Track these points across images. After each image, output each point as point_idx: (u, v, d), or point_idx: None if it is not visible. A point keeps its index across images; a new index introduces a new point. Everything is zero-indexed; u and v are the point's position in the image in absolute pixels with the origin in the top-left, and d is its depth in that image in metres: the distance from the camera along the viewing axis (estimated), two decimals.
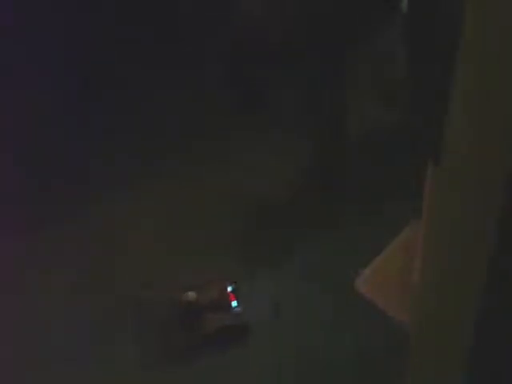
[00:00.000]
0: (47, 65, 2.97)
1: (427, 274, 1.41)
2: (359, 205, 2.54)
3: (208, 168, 2.69)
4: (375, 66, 2.78)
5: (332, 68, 2.46)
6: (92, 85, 2.95)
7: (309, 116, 2.68)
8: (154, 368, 2.15)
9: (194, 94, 2.93)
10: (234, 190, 2.61)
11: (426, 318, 1.46)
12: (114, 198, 2.61)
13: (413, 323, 1.56)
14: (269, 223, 2.55)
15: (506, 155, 1.11)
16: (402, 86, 2.54)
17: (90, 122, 2.88)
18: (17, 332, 2.25)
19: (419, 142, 1.40)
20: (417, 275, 1.50)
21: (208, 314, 2.19)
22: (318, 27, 2.30)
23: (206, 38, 2.99)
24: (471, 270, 1.26)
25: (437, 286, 1.38)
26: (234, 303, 2.21)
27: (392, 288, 1.97)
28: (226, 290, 2.22)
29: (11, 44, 2.89)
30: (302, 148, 2.68)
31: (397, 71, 2.59)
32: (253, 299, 2.27)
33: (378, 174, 2.61)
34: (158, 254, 2.44)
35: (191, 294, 2.19)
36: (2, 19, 2.76)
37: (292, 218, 2.54)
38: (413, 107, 2.27)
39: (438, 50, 1.21)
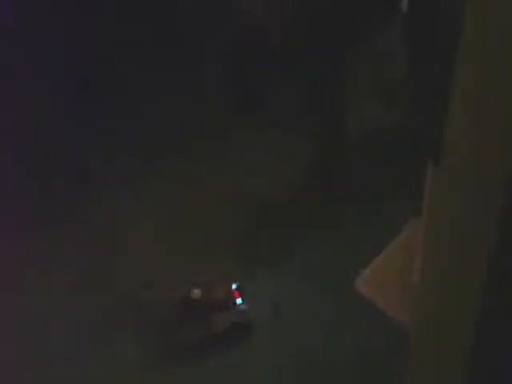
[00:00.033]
0: (47, 65, 2.97)
1: (427, 273, 1.41)
2: (359, 205, 2.54)
3: (208, 168, 2.70)
4: (375, 65, 2.78)
5: (332, 68, 2.46)
6: (92, 85, 2.95)
7: (309, 116, 2.68)
8: (153, 368, 2.16)
9: (194, 94, 2.93)
10: (233, 190, 2.62)
11: (426, 318, 1.46)
12: (114, 198, 2.61)
13: (413, 323, 1.56)
14: (269, 223, 2.55)
15: (506, 155, 1.11)
16: (402, 86, 2.54)
17: (90, 122, 2.88)
18: (17, 332, 2.25)
19: (419, 142, 1.40)
20: (417, 275, 1.50)
21: (214, 312, 2.19)
22: (318, 27, 2.30)
23: (205, 37, 2.99)
24: (471, 270, 1.26)
25: (437, 285, 1.38)
26: (239, 300, 2.21)
27: (392, 288, 1.96)
28: (231, 287, 2.23)
29: (11, 44, 2.89)
30: (302, 148, 2.68)
31: (397, 71, 2.59)
32: (253, 299, 2.28)
33: (377, 173, 2.62)
34: (157, 253, 2.44)
35: (197, 292, 2.19)
36: (2, 19, 2.76)
37: (292, 218, 2.54)
38: (413, 107, 2.27)
39: (437, 49, 1.21)
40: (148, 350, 2.19)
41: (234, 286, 2.23)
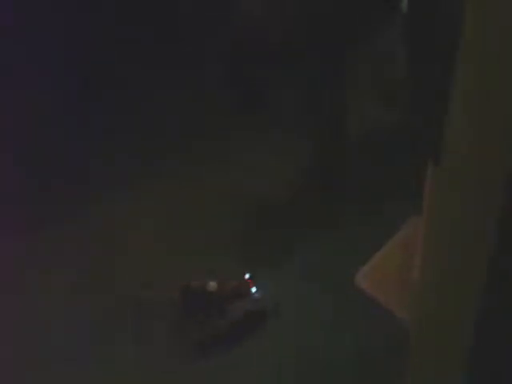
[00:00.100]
0: (47, 65, 2.97)
1: (427, 273, 1.41)
2: (359, 205, 2.54)
3: (208, 168, 2.69)
4: (375, 65, 2.78)
5: (332, 68, 2.46)
6: (92, 85, 2.95)
7: (309, 116, 2.68)
8: (154, 368, 2.15)
9: (194, 94, 2.93)
10: (233, 189, 2.61)
11: (426, 318, 1.46)
12: (114, 198, 2.61)
13: (412, 322, 1.56)
14: (269, 223, 2.55)
15: (506, 155, 1.11)
16: (402, 86, 2.54)
17: (90, 122, 2.88)
18: (17, 332, 2.25)
19: (419, 142, 1.40)
20: (416, 272, 1.50)
21: (230, 302, 2.21)
22: (318, 27, 2.29)
23: (205, 37, 2.99)
24: (471, 270, 1.26)
25: (437, 285, 1.38)
26: (254, 289, 2.22)
27: (391, 284, 1.97)
28: (244, 277, 2.24)
29: (11, 44, 2.89)
30: (302, 148, 2.68)
31: (397, 71, 2.59)
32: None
33: (377, 173, 2.62)
34: (157, 253, 2.44)
35: (212, 284, 2.20)
36: (2, 19, 2.76)
37: (292, 218, 2.54)
38: (413, 107, 2.27)
39: (437, 49, 1.21)
40: (148, 350, 2.19)
41: (246, 276, 2.24)
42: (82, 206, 2.59)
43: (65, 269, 2.42)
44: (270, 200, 2.61)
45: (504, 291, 1.24)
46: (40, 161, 2.74)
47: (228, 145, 2.78)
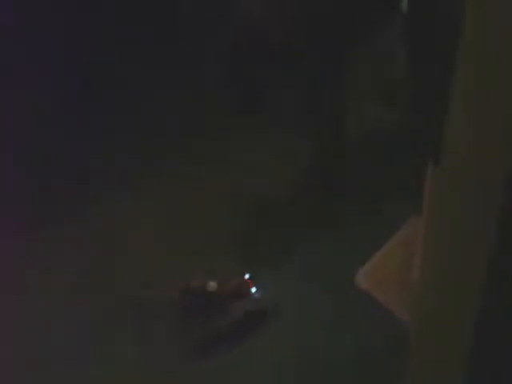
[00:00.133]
0: (47, 65, 2.97)
1: (427, 273, 1.41)
2: (359, 205, 2.54)
3: (208, 168, 2.70)
4: (375, 65, 2.78)
5: (332, 68, 2.46)
6: (92, 85, 2.95)
7: (309, 116, 2.68)
8: (154, 368, 2.15)
9: (194, 94, 2.93)
10: (233, 189, 2.61)
11: (426, 318, 1.46)
12: (114, 198, 2.61)
13: (412, 322, 1.56)
14: (269, 223, 2.55)
15: (506, 155, 1.11)
16: (402, 86, 2.54)
17: (90, 122, 2.88)
18: (17, 332, 2.25)
19: (419, 142, 1.40)
20: (416, 272, 1.50)
21: (230, 302, 2.22)
22: (318, 27, 2.29)
23: (206, 37, 2.99)
24: (471, 270, 1.26)
25: (437, 285, 1.38)
26: (254, 289, 2.23)
27: (391, 284, 1.97)
28: (244, 277, 2.24)
29: (11, 44, 2.89)
30: (302, 148, 2.68)
31: (397, 71, 2.59)
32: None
33: (377, 173, 2.62)
34: (157, 253, 2.44)
35: (213, 284, 2.20)
36: (2, 19, 2.76)
37: (292, 218, 2.54)
38: (413, 107, 2.27)
39: (438, 49, 1.21)
40: (148, 350, 2.19)
41: (246, 276, 2.24)
42: (81, 205, 2.59)
43: (65, 269, 2.42)
44: (269, 200, 2.61)
45: (504, 291, 1.24)
46: (40, 161, 2.74)
47: (228, 145, 2.78)
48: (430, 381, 1.53)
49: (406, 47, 2.37)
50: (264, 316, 2.24)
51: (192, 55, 3.01)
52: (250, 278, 2.25)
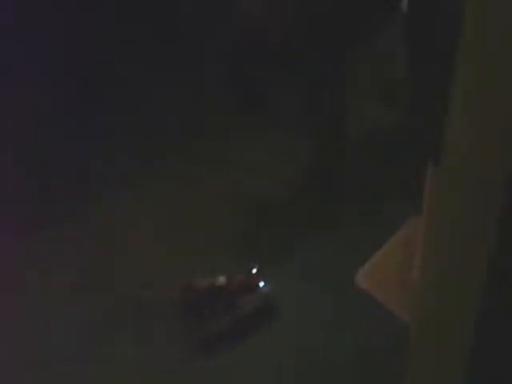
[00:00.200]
0: (47, 65, 2.97)
1: (427, 273, 1.41)
2: (359, 205, 2.54)
3: (208, 168, 2.70)
4: (375, 65, 2.78)
5: (332, 68, 2.46)
6: (92, 85, 2.95)
7: (309, 116, 2.68)
8: (154, 368, 2.15)
9: (194, 94, 2.93)
10: (233, 189, 2.61)
11: (426, 318, 1.46)
12: (114, 198, 2.61)
13: (412, 322, 1.56)
14: (269, 223, 2.55)
15: (506, 155, 1.11)
16: (402, 86, 2.54)
17: (90, 122, 2.88)
18: (17, 332, 2.25)
19: (419, 142, 1.40)
20: (416, 272, 1.50)
21: (238, 296, 2.22)
22: (318, 27, 2.29)
23: (206, 37, 2.99)
24: (471, 270, 1.26)
25: (437, 285, 1.38)
26: (261, 283, 2.23)
27: (391, 283, 1.97)
28: (252, 272, 2.24)
29: (11, 44, 2.89)
30: (302, 148, 2.68)
31: (397, 71, 2.59)
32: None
33: (377, 173, 2.62)
34: (157, 253, 2.44)
35: (222, 279, 2.21)
36: (2, 19, 2.76)
37: (292, 218, 2.54)
38: (413, 107, 2.27)
39: (438, 49, 1.21)
40: (148, 350, 2.19)
41: (254, 271, 2.25)
42: (82, 205, 2.59)
43: (65, 269, 2.42)
44: (270, 200, 2.61)
45: (504, 291, 1.24)
46: (40, 161, 2.74)
47: (228, 145, 2.78)
48: (430, 381, 1.53)
49: (406, 47, 2.37)
50: (271, 311, 2.24)
51: (192, 55, 3.01)
52: (257, 273, 2.25)
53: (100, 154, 2.77)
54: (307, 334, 2.22)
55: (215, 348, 2.19)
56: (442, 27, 1.19)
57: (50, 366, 2.14)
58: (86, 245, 2.50)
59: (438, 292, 1.38)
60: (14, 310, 2.29)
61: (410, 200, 1.76)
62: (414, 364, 1.55)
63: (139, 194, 2.64)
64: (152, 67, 2.99)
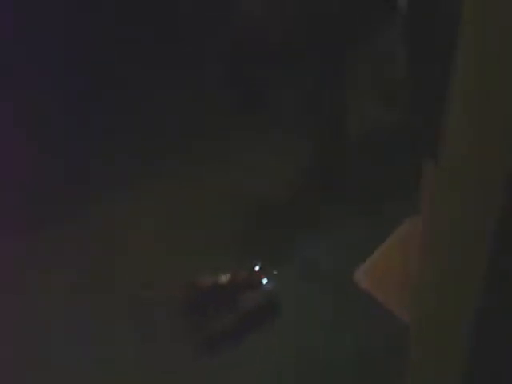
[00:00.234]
0: (47, 65, 2.97)
1: (427, 273, 1.41)
2: (359, 205, 2.54)
3: (208, 168, 2.69)
4: (375, 65, 2.78)
5: (332, 68, 2.46)
6: (92, 85, 2.95)
7: (309, 116, 2.68)
8: (154, 368, 2.15)
9: (194, 94, 2.93)
10: (233, 189, 2.61)
11: (426, 318, 1.46)
12: (114, 198, 2.61)
13: (412, 322, 1.56)
14: (269, 223, 2.55)
15: (506, 155, 1.11)
16: (402, 86, 2.54)
17: (90, 122, 2.88)
18: (17, 332, 2.25)
19: (419, 142, 1.40)
20: (416, 272, 1.50)
21: (242, 294, 2.22)
22: (318, 27, 2.30)
23: (206, 37, 2.99)
24: (471, 270, 1.26)
25: (437, 285, 1.38)
26: (264, 280, 2.22)
27: (391, 282, 1.97)
28: (254, 269, 2.24)
29: (11, 44, 2.89)
30: (302, 148, 2.68)
31: (397, 71, 2.59)
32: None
33: (377, 173, 2.62)
34: (157, 254, 2.44)
35: (225, 277, 2.21)
36: (2, 19, 2.76)
37: (292, 218, 2.54)
38: (413, 107, 2.27)
39: (437, 50, 1.21)
40: (148, 350, 2.19)
41: (256, 268, 2.25)
42: (82, 205, 2.59)
43: (65, 269, 2.42)
44: (270, 200, 2.61)
45: (504, 291, 1.24)
46: (40, 161, 2.74)
47: (228, 145, 2.78)
48: (430, 381, 1.53)
49: (405, 47, 2.37)
50: (274, 308, 2.24)
51: (192, 55, 3.01)
52: (260, 270, 2.25)
53: (100, 154, 2.77)
54: (307, 333, 2.22)
55: (219, 346, 2.19)
56: (442, 27, 1.19)
57: (50, 366, 2.14)
58: (86, 245, 2.50)
59: (437, 292, 1.38)
60: (14, 309, 2.29)
61: (409, 200, 1.76)
62: (414, 364, 1.55)
63: (139, 193, 2.64)
64: (152, 67, 2.99)
